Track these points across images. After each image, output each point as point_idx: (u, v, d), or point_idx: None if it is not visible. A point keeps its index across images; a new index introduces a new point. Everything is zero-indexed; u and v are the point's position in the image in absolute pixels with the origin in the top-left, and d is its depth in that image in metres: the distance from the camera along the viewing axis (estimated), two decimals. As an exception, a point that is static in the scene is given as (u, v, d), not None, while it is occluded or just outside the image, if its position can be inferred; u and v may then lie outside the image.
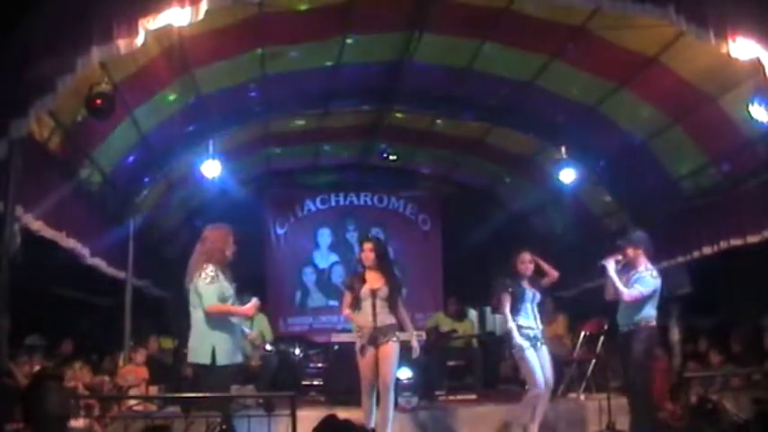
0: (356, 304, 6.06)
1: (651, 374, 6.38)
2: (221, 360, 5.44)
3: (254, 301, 5.76)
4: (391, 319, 6.06)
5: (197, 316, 5.53)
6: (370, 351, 5.93)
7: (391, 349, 5.98)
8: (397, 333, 6.10)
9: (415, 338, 6.30)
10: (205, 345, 5.45)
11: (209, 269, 5.51)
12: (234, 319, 5.67)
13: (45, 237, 6.47)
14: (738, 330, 8.79)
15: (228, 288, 5.57)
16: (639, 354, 6.17)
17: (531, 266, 6.56)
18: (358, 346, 6.02)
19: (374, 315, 5.94)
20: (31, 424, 3.81)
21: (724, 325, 9.18)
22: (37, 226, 6.20)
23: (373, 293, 5.99)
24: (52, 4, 5.31)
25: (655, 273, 6.29)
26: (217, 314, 5.49)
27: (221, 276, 5.55)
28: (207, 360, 5.42)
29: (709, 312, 9.76)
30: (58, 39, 5.16)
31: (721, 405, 6.39)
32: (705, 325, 9.61)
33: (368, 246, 6.18)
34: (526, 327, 6.39)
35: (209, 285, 5.47)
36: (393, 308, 6.07)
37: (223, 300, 5.52)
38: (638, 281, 6.21)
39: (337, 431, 3.61)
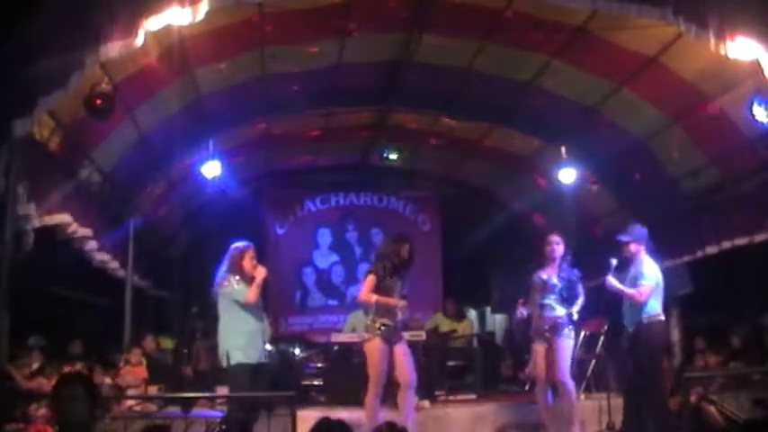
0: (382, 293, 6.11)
1: (663, 372, 6.30)
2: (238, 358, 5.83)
3: None
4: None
5: None
6: (386, 349, 5.99)
7: (406, 346, 6.16)
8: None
9: None
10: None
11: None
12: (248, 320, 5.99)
13: (45, 237, 6.46)
14: (739, 330, 8.79)
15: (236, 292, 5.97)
16: (649, 353, 6.07)
17: (560, 248, 6.37)
18: (377, 342, 6.00)
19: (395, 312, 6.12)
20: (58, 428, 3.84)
21: (724, 325, 9.17)
22: (58, 220, 6.47)
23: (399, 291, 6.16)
24: (53, 4, 5.32)
25: (654, 265, 6.29)
26: None
27: (234, 283, 5.99)
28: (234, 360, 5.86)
29: (709, 312, 9.76)
30: (58, 39, 5.17)
31: (707, 410, 6.42)
32: (705, 325, 9.60)
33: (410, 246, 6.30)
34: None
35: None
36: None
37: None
38: (639, 277, 6.18)
39: (332, 430, 3.60)
